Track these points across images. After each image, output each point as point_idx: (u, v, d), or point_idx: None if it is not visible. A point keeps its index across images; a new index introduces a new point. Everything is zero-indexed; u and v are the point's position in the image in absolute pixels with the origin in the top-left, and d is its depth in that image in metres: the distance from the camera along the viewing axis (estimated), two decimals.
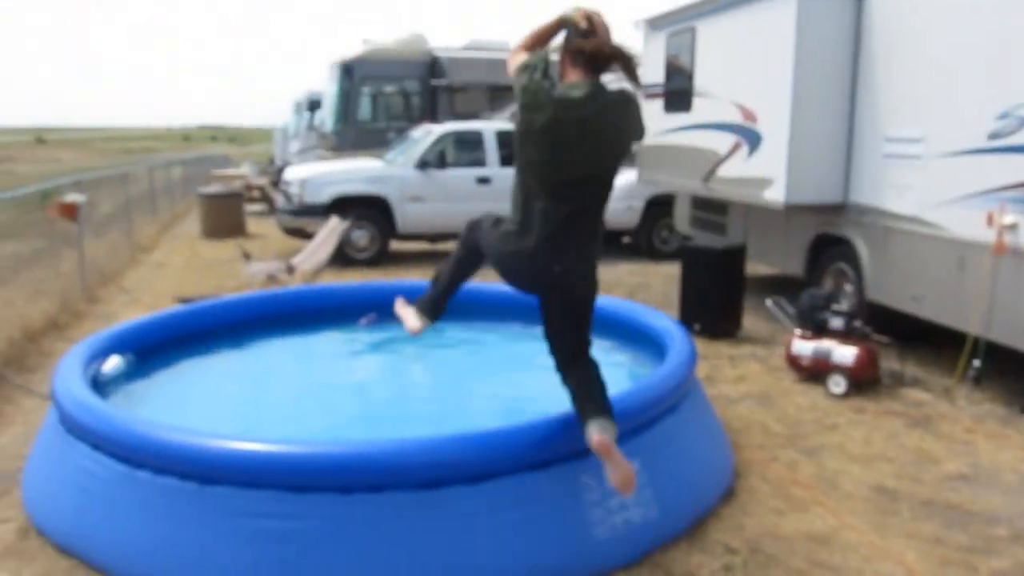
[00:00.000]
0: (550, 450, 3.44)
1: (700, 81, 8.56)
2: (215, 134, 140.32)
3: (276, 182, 20.23)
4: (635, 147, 10.48)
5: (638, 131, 3.52)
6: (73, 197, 8.85)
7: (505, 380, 5.01)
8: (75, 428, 3.85)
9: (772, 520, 4.00)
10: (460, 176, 11.77)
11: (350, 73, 16.14)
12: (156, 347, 5.39)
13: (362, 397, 4.98)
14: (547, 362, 3.58)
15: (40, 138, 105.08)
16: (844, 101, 6.94)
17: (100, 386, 4.61)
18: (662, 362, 4.40)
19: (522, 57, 3.45)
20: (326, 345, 6.08)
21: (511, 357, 5.71)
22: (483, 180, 11.77)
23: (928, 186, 6.12)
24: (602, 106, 3.31)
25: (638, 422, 3.73)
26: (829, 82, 6.91)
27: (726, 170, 8.07)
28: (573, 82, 3.35)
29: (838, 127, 6.98)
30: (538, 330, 3.54)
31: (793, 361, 6.25)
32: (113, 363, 4.96)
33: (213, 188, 16.19)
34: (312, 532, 3.21)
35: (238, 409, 4.67)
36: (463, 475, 3.27)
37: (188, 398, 4.97)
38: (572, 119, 3.27)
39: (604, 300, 6.23)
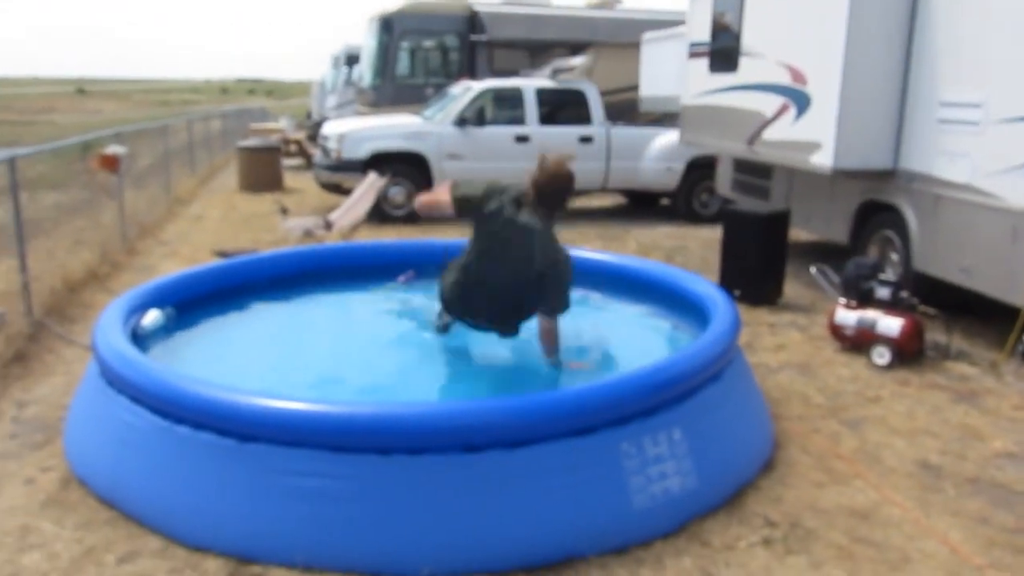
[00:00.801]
0: (590, 417, 3.39)
1: (748, 41, 8.34)
2: (253, 87, 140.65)
3: (313, 137, 20.23)
4: (678, 108, 10.35)
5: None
6: (114, 149, 8.88)
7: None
8: (115, 381, 3.87)
9: (812, 493, 3.93)
10: (498, 134, 11.65)
11: (389, 27, 15.99)
12: (195, 301, 5.40)
13: (400, 356, 4.94)
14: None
15: (81, 89, 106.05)
16: (898, 64, 6.72)
17: (139, 339, 4.63)
18: (705, 329, 4.32)
19: None
20: (364, 302, 6.04)
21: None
22: (522, 138, 11.64)
23: (984, 153, 5.92)
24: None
25: (680, 390, 3.67)
26: (884, 44, 6.68)
27: (772, 133, 7.89)
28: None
29: (891, 91, 6.77)
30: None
31: (836, 330, 6.13)
32: (152, 317, 4.98)
33: (251, 142, 16.19)
34: (349, 492, 3.21)
35: (276, 365, 4.66)
36: (502, 440, 3.24)
37: (226, 353, 4.97)
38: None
39: (646, 264, 6.23)
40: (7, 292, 6.54)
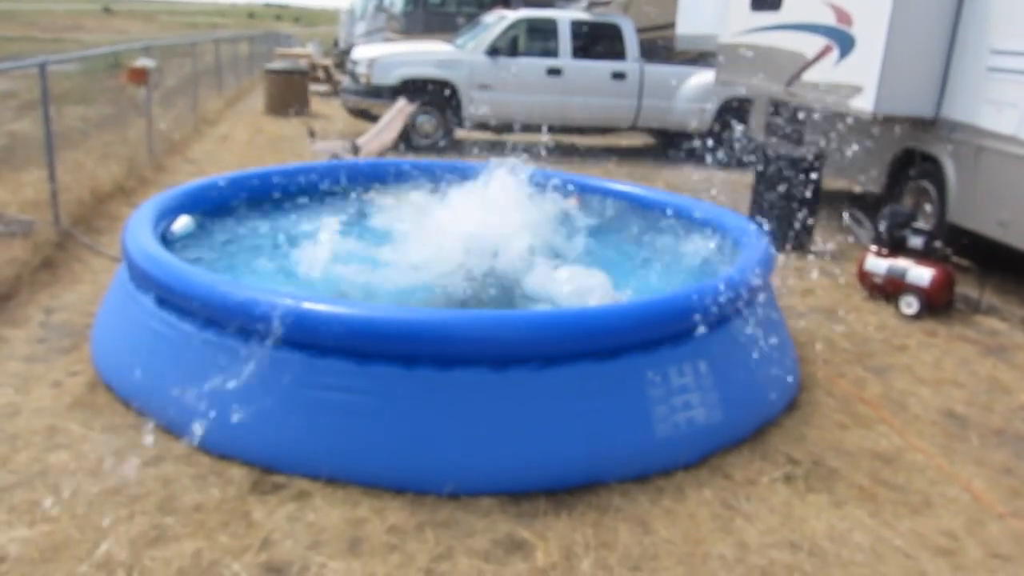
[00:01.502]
0: (618, 338, 3.37)
1: None
2: (280, 13, 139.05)
3: (340, 63, 20.02)
4: (716, 48, 10.13)
5: None
6: (143, 62, 8.81)
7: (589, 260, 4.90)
8: (143, 281, 3.87)
9: (836, 435, 3.92)
10: (531, 65, 11.46)
11: None
12: (224, 208, 5.39)
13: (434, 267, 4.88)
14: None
15: (107, 8, 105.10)
16: (949, 8, 6.51)
17: (170, 244, 4.64)
18: (735, 260, 4.26)
19: None
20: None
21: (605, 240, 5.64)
22: (554, 71, 11.46)
23: None
24: None
25: (708, 319, 3.62)
26: None
27: (812, 75, 7.71)
28: None
29: (939, 36, 6.58)
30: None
31: (864, 277, 6.06)
32: (183, 223, 4.97)
33: (279, 64, 16.02)
34: (374, 406, 3.22)
35: (308, 273, 4.64)
36: (530, 356, 3.23)
37: (256, 259, 4.95)
38: None
39: (678, 198, 6.15)
40: (36, 201, 6.57)
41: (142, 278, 3.88)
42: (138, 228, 4.30)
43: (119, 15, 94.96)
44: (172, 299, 3.66)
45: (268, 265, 4.81)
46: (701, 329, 3.51)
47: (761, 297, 4.14)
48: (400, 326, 3.24)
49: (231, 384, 3.41)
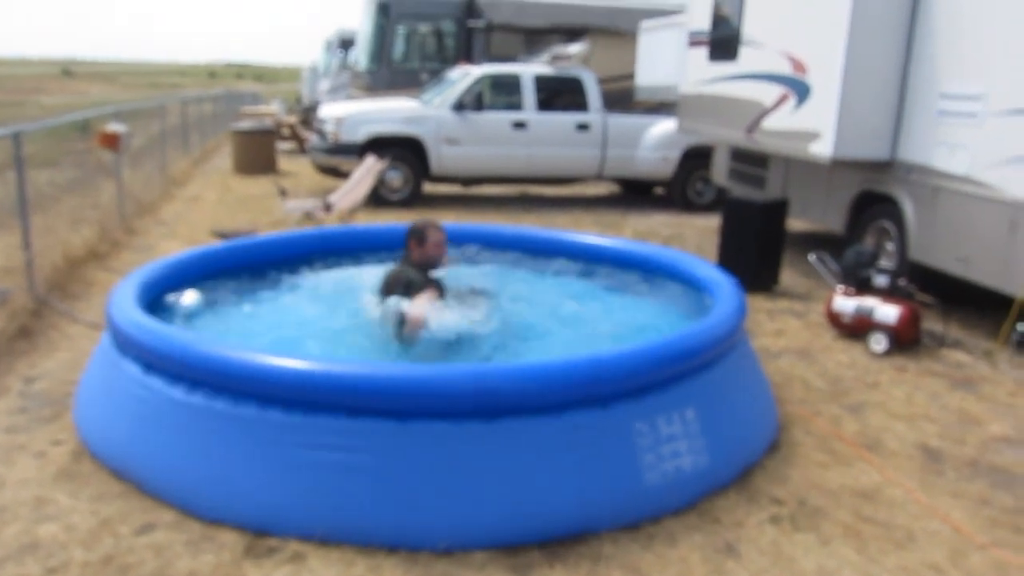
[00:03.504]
0: (604, 387, 3.43)
1: (749, 30, 8.37)
2: (241, 71, 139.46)
3: (305, 121, 20.15)
4: (675, 96, 10.39)
5: None
6: (115, 127, 8.82)
7: (562, 316, 4.97)
8: (128, 347, 3.87)
9: (818, 473, 3.99)
10: (496, 119, 11.65)
11: (386, 11, 15.94)
12: (205, 280, 5.39)
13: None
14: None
15: (67, 70, 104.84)
16: (899, 55, 6.77)
17: (173, 319, 4.66)
18: (711, 310, 4.35)
19: None
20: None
21: (570, 293, 5.68)
22: (519, 124, 11.65)
23: (983, 145, 5.98)
24: None
25: (690, 367, 3.70)
26: (885, 35, 6.73)
27: (771, 122, 7.93)
28: None
29: (891, 82, 6.83)
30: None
31: (834, 318, 6.19)
32: (191, 298, 4.96)
33: (245, 124, 16.10)
34: (365, 464, 3.23)
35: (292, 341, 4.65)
36: (518, 407, 3.28)
37: (251, 331, 4.96)
38: None
39: (650, 248, 6.26)
40: (9, 268, 6.52)
41: (127, 344, 3.87)
42: (122, 294, 4.30)
43: (79, 76, 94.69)
44: (157, 363, 3.66)
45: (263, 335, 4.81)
46: (686, 376, 3.58)
47: (738, 343, 4.23)
48: (392, 382, 3.27)
49: (219, 448, 3.42)
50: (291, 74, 53.57)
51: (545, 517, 3.28)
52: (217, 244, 6.27)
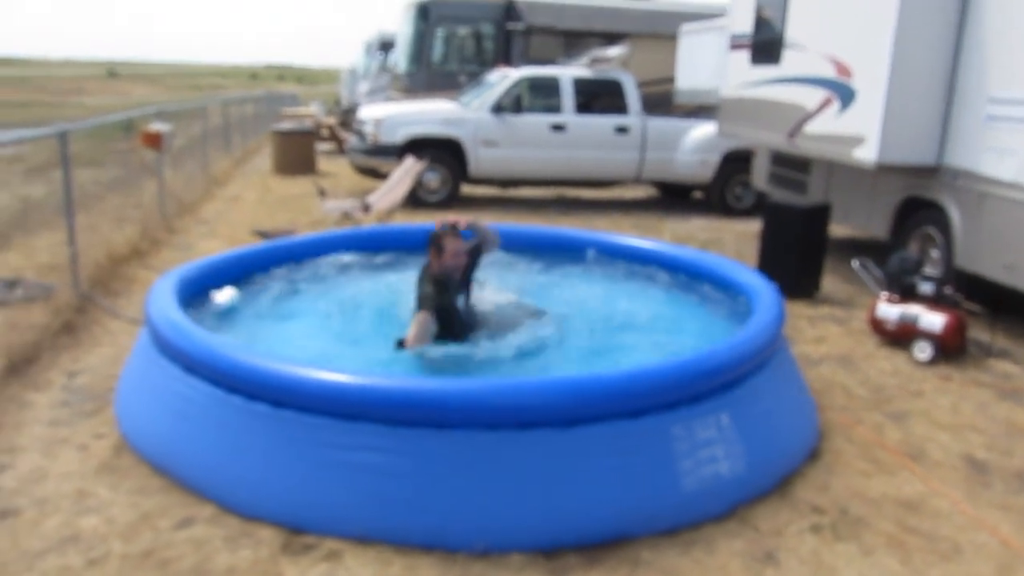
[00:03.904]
0: (641, 399, 3.40)
1: (792, 33, 8.28)
2: (282, 73, 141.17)
3: (344, 122, 20.30)
4: (715, 100, 10.31)
5: None
6: (158, 127, 8.95)
7: (594, 324, 4.94)
8: (169, 351, 3.92)
9: (859, 482, 3.92)
10: (535, 122, 11.64)
11: (425, 14, 16.02)
12: (245, 279, 5.46)
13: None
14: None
15: (112, 71, 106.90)
16: (947, 59, 6.64)
17: (208, 314, 4.71)
18: (750, 318, 4.31)
19: None
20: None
21: (608, 296, 5.67)
22: (558, 127, 11.63)
23: None
24: None
25: (730, 376, 3.67)
26: (933, 38, 6.61)
27: (814, 126, 7.83)
28: None
29: (938, 86, 6.70)
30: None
31: (877, 325, 6.09)
32: (228, 295, 5.01)
33: (286, 125, 16.27)
34: (404, 467, 3.23)
35: (332, 344, 4.67)
36: (555, 419, 3.26)
37: (289, 330, 5.00)
38: None
39: (690, 252, 6.22)
40: (53, 265, 6.65)
41: (168, 348, 3.91)
42: (161, 294, 4.35)
43: (123, 78, 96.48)
44: (196, 367, 3.70)
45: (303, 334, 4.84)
46: (723, 387, 3.55)
47: (777, 350, 4.18)
48: (432, 397, 3.28)
49: (259, 445, 3.44)
50: (331, 76, 54.05)
51: (583, 521, 3.26)
52: (257, 243, 6.35)
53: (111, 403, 4.50)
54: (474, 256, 4.86)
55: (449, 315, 4.58)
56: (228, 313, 4.95)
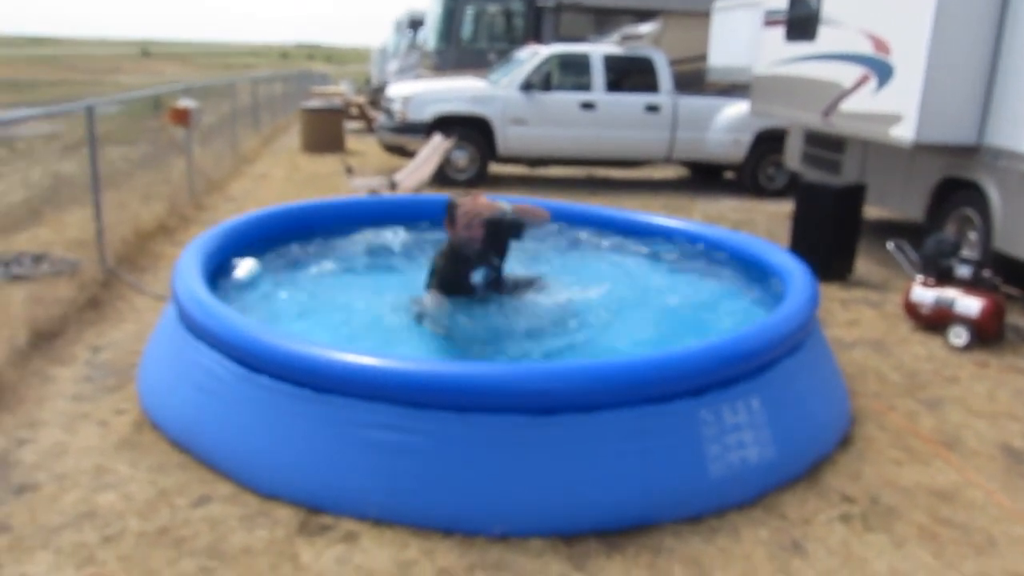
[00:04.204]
0: (667, 385, 3.31)
1: (828, 8, 8.07)
2: (312, 52, 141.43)
3: (373, 101, 20.23)
4: (749, 78, 10.12)
5: None
6: (186, 103, 8.93)
7: (620, 308, 4.84)
8: (195, 328, 3.88)
9: (892, 471, 3.81)
10: (564, 100, 11.50)
11: None
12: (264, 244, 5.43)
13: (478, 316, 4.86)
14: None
15: (145, 51, 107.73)
16: (990, 34, 6.42)
17: (225, 287, 4.67)
18: (784, 299, 4.19)
19: None
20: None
21: (637, 275, 5.56)
22: (588, 105, 11.47)
23: None
24: None
25: (761, 360, 3.57)
26: (976, 12, 6.39)
27: (850, 104, 7.64)
28: None
29: (980, 62, 6.49)
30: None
31: (911, 308, 5.94)
32: (248, 267, 4.98)
33: (314, 103, 16.24)
34: (425, 447, 3.17)
35: (357, 317, 4.61)
36: (578, 404, 3.19)
37: (306, 301, 4.95)
38: None
39: (722, 232, 6.09)
40: (81, 241, 6.66)
41: (195, 325, 3.88)
42: (188, 271, 4.31)
43: (156, 57, 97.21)
44: (219, 345, 3.66)
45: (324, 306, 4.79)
46: (754, 371, 3.45)
47: (809, 333, 4.06)
48: (454, 380, 3.22)
49: (279, 423, 3.40)
50: (361, 55, 54.12)
51: (605, 507, 3.19)
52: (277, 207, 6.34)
53: (133, 379, 4.49)
54: (499, 231, 4.67)
55: (461, 288, 4.52)
56: (249, 284, 4.91)
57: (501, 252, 4.72)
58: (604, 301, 4.72)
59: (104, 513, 3.27)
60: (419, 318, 4.45)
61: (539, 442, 3.18)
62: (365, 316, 4.56)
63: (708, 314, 4.79)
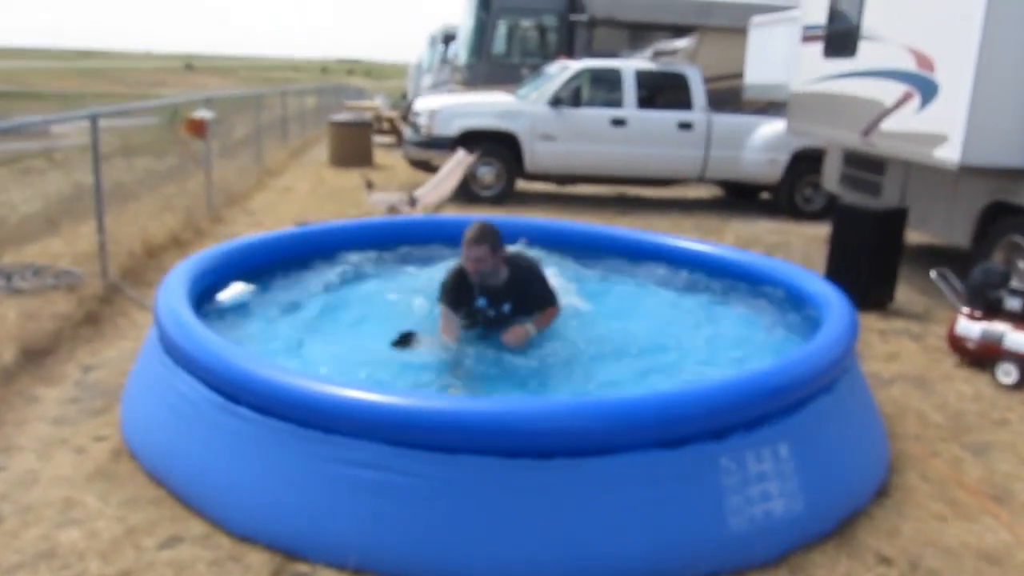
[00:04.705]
0: (684, 426, 2.98)
1: (869, 23, 7.71)
2: (352, 67, 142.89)
3: (407, 116, 20.12)
4: (786, 96, 9.78)
5: None
6: (202, 113, 8.77)
7: (648, 337, 4.51)
8: (173, 351, 3.63)
9: (934, 527, 3.43)
10: (594, 116, 11.20)
11: (487, 5, 15.69)
12: (267, 269, 5.18)
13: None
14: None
15: (189, 65, 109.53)
16: None
17: (215, 311, 4.43)
18: (819, 330, 3.84)
19: None
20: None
21: (663, 303, 5.24)
22: (618, 122, 11.17)
23: None
24: None
25: (789, 400, 3.23)
26: None
27: (891, 123, 7.26)
28: None
29: None
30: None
31: (956, 342, 5.53)
32: (235, 291, 4.75)
33: (343, 116, 16.13)
34: (410, 491, 2.87)
35: (344, 349, 4.34)
36: (581, 447, 2.87)
37: (297, 330, 4.68)
38: None
39: (754, 257, 5.75)
40: (90, 253, 6.46)
41: (172, 348, 3.62)
42: (171, 291, 4.07)
43: (199, 71, 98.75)
44: (199, 371, 3.39)
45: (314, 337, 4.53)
46: (783, 412, 3.10)
47: (846, 370, 3.71)
48: (444, 417, 2.91)
49: (257, 459, 3.12)
50: (400, 71, 54.27)
51: (610, 562, 2.85)
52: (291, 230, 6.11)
53: (121, 402, 4.24)
54: (514, 285, 4.38)
55: (464, 310, 4.33)
56: (238, 309, 4.66)
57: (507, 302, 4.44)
58: (619, 330, 4.40)
59: (64, 553, 3.01)
60: (402, 342, 4.20)
61: (536, 488, 2.87)
62: (369, 347, 4.28)
63: (733, 346, 4.43)
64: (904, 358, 5.63)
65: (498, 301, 4.34)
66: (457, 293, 4.31)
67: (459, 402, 3.09)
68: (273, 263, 5.45)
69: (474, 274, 4.22)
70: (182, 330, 3.64)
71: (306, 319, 4.72)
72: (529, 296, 4.40)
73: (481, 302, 4.31)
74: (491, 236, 4.19)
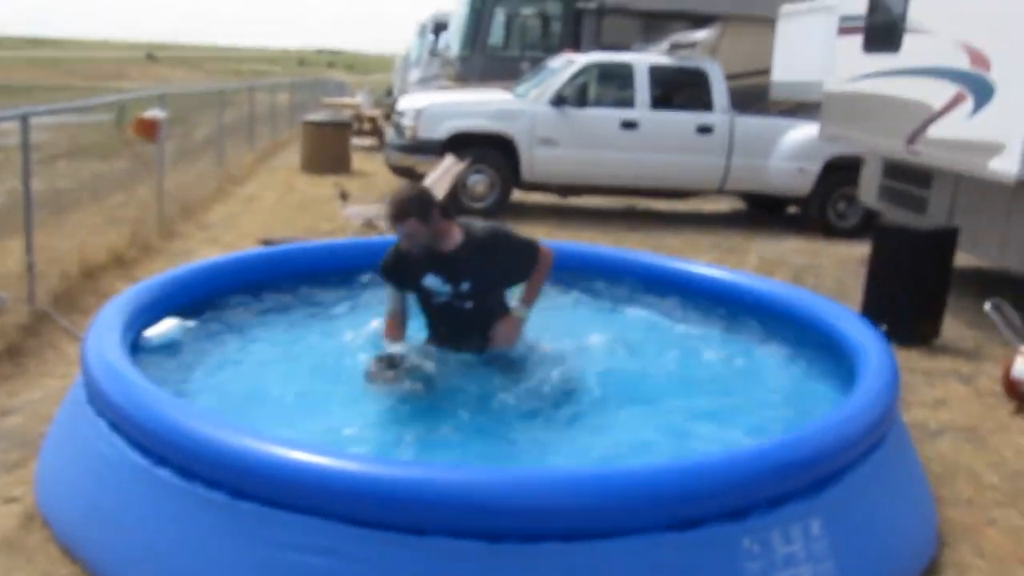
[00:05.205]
0: (697, 504, 2.82)
1: (916, 14, 7.71)
2: (332, 59, 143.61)
3: (391, 115, 20.11)
4: (819, 96, 9.70)
5: None
6: (153, 113, 8.65)
7: (633, 391, 4.36)
8: (92, 396, 3.49)
9: None
10: (602, 117, 11.13)
11: None
12: (213, 301, 5.04)
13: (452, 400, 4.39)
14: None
15: (151, 55, 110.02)
16: None
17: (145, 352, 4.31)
18: (855, 386, 3.69)
19: None
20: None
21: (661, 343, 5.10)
22: (629, 124, 11.10)
23: None
24: None
25: (824, 470, 3.08)
26: None
27: (940, 129, 7.23)
28: None
29: None
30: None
31: (1013, 386, 5.40)
32: (165, 327, 4.60)
33: (319, 115, 16.09)
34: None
35: (298, 398, 4.19)
36: (574, 529, 2.71)
37: (240, 375, 4.55)
38: None
39: (777, 287, 5.63)
40: (13, 273, 6.31)
41: (92, 392, 3.48)
42: (105, 324, 3.95)
43: (163, 62, 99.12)
44: (117, 425, 3.24)
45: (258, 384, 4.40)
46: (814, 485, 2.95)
47: (887, 434, 3.56)
48: (402, 488, 2.75)
49: (182, 536, 2.95)
50: (386, 63, 54.38)
51: None
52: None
53: (37, 455, 4.08)
54: (474, 251, 4.17)
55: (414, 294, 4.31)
56: (173, 348, 4.53)
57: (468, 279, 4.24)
58: (613, 383, 4.25)
59: None
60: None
61: None
62: (326, 393, 4.14)
63: (755, 403, 4.27)
64: (953, 405, 5.48)
65: (455, 276, 4.15)
66: (399, 274, 4.17)
67: (431, 470, 2.91)
68: (229, 290, 5.30)
69: (413, 250, 4.07)
70: (105, 371, 3.49)
71: (260, 360, 4.58)
72: (496, 264, 4.18)
73: (430, 280, 4.15)
74: (413, 205, 3.99)
